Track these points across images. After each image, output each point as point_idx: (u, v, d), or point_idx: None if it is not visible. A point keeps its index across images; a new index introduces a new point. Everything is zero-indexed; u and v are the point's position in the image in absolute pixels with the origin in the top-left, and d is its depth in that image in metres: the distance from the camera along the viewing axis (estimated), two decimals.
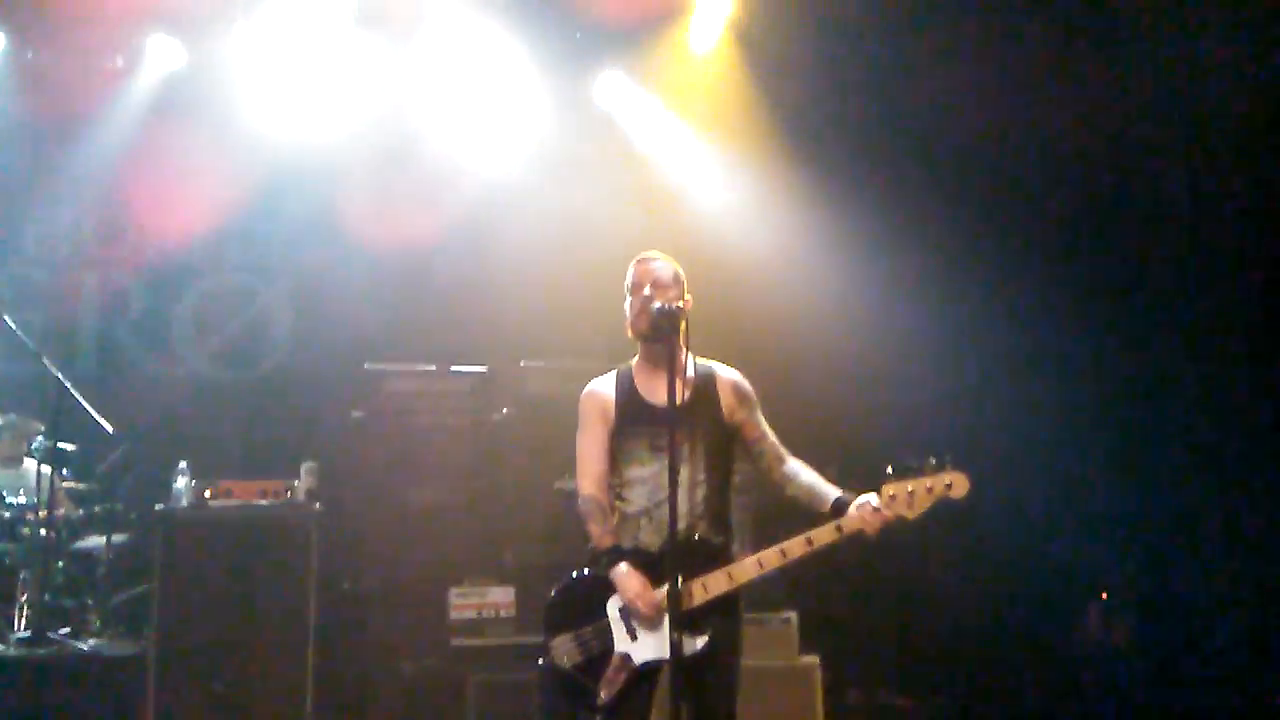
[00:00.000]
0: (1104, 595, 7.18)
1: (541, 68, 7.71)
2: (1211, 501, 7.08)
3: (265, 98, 7.79)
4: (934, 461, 3.71)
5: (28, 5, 7.41)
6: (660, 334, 3.80)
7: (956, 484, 3.69)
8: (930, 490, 3.69)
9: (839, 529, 3.71)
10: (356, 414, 6.73)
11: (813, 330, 7.41)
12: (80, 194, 8.06)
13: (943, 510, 3.78)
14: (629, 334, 3.96)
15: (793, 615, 5.65)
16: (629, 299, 3.94)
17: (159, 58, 7.70)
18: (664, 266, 3.95)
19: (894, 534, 3.80)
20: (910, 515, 3.72)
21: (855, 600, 6.99)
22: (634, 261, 3.99)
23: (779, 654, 5.56)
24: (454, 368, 6.78)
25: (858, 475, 3.89)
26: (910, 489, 3.69)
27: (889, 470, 3.72)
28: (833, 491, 3.81)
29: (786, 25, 7.43)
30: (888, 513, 3.69)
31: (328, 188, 7.96)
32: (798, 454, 4.01)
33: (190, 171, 7.84)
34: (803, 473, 3.93)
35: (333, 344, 7.82)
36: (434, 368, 6.75)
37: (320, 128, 7.85)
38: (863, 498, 3.73)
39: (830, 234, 7.57)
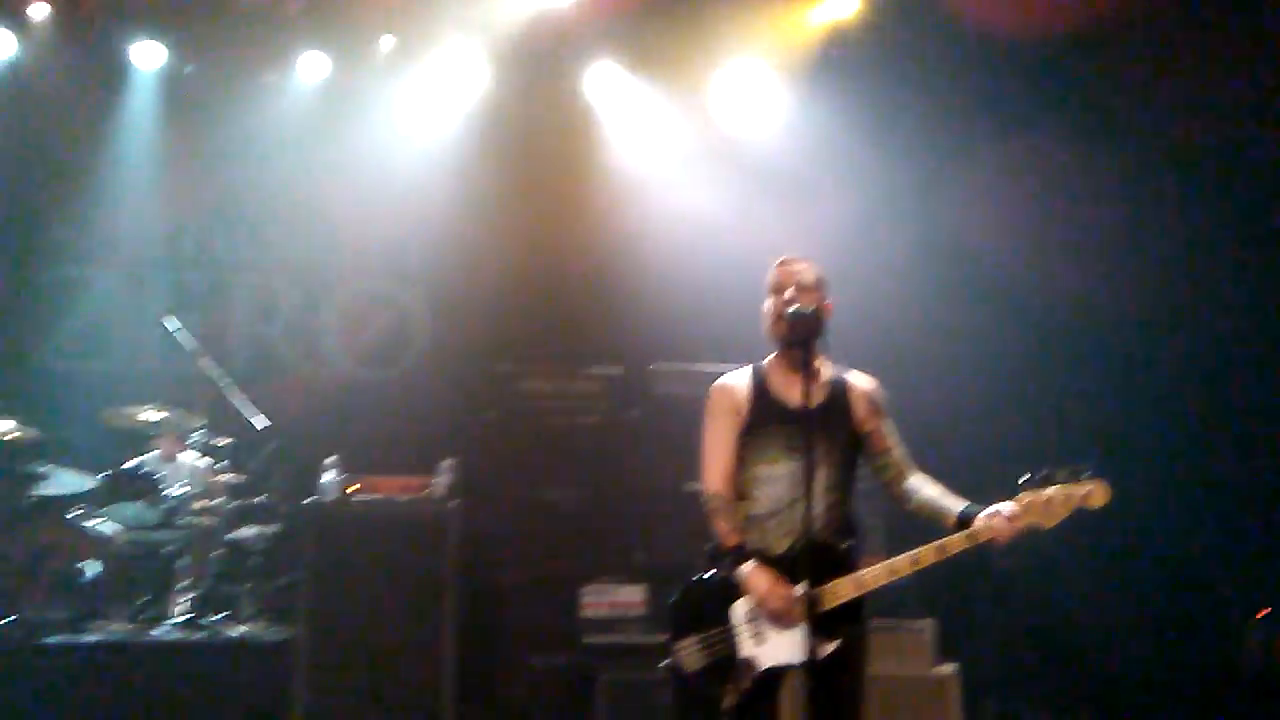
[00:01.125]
0: (1266, 611, 6.79)
1: (676, 71, 7.74)
2: None
3: (403, 108, 8.06)
4: (1073, 470, 3.59)
5: (186, 22, 7.80)
6: (798, 337, 3.75)
7: (1095, 493, 3.56)
8: (1068, 499, 3.56)
9: (971, 537, 3.61)
10: (492, 413, 6.88)
11: (947, 336, 7.25)
12: (234, 202, 8.45)
13: (1089, 517, 3.64)
14: (768, 335, 3.93)
15: (927, 623, 5.53)
16: (769, 300, 3.89)
17: (307, 70, 8.04)
18: (806, 269, 3.90)
19: (1035, 542, 3.68)
20: (1047, 524, 3.60)
21: (995, 609, 6.80)
22: (776, 263, 3.94)
23: (914, 663, 5.46)
24: (587, 369, 6.85)
25: (993, 481, 3.77)
26: (1047, 497, 3.58)
27: (1025, 478, 3.61)
28: (958, 504, 3.73)
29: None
30: (1020, 521, 3.58)
31: (464, 193, 8.17)
32: (931, 458, 3.93)
33: (334, 181, 8.17)
34: (926, 486, 3.86)
35: (470, 346, 8.03)
36: (568, 368, 6.83)
37: (455, 135, 8.09)
38: (993, 506, 3.63)
39: (969, 234, 7.39)
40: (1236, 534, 6.86)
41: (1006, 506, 3.61)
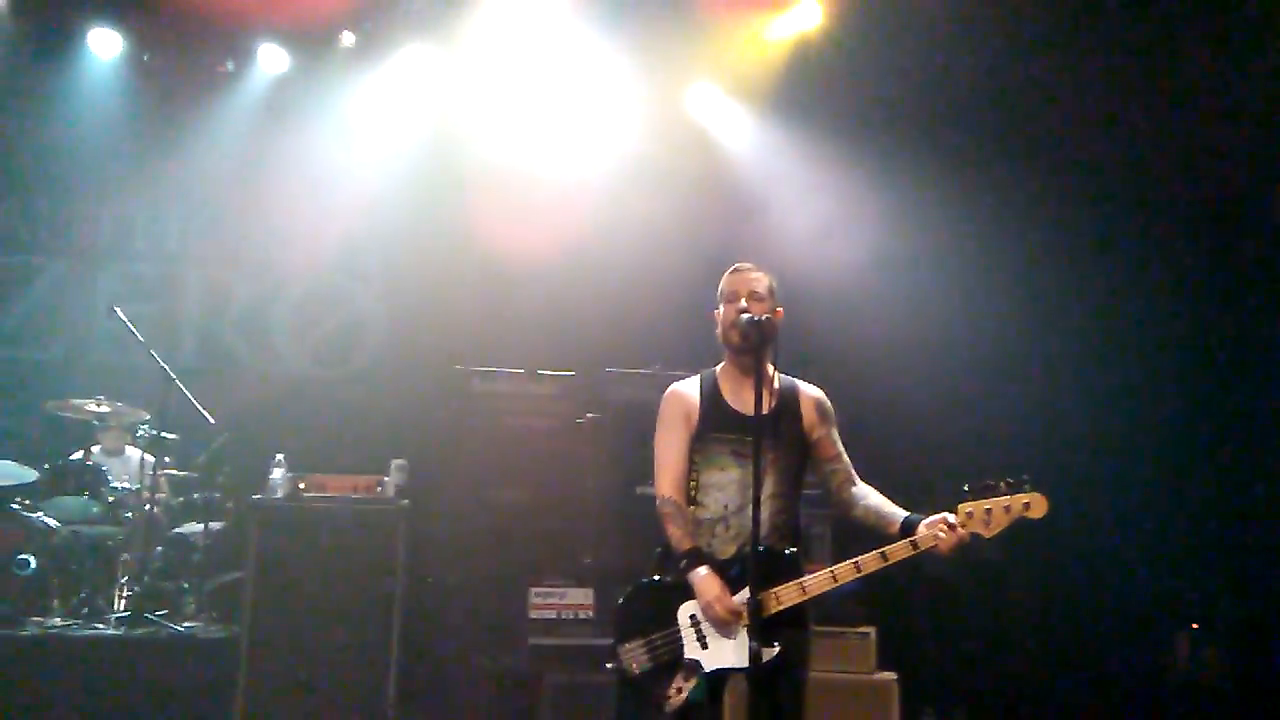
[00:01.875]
0: (1193, 625, 6.97)
1: (633, 77, 7.80)
2: None
3: (363, 105, 8.04)
4: (1012, 481, 3.68)
5: (145, 11, 7.72)
6: (750, 345, 3.82)
7: (1035, 505, 3.65)
8: (1008, 510, 3.66)
9: (914, 545, 3.69)
10: (444, 414, 6.87)
11: (896, 347, 7.37)
12: (187, 194, 8.37)
13: (1027, 533, 3.74)
14: (720, 342, 3.98)
15: (871, 630, 5.61)
16: (721, 308, 3.96)
17: (266, 63, 7.98)
18: (759, 278, 3.97)
19: (977, 555, 3.76)
20: (987, 534, 3.69)
21: (935, 619, 6.91)
22: (729, 271, 4.00)
23: (856, 668, 5.53)
24: (541, 372, 6.86)
25: (937, 494, 3.86)
26: (988, 508, 3.67)
27: (966, 489, 3.70)
28: (901, 512, 3.81)
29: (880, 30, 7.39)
30: (962, 530, 3.66)
31: (422, 194, 8.16)
32: (877, 469, 4.00)
33: (291, 175, 8.12)
34: (871, 495, 3.93)
35: (424, 346, 8.02)
36: (522, 371, 6.85)
37: (414, 136, 8.09)
38: (935, 516, 3.71)
39: (923, 248, 7.52)
40: (1167, 546, 7.02)
41: (949, 516, 3.69)
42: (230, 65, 8.09)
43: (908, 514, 3.79)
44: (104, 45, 7.84)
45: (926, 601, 6.57)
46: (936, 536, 3.66)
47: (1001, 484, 3.68)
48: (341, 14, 7.79)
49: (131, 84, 8.01)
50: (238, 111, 8.11)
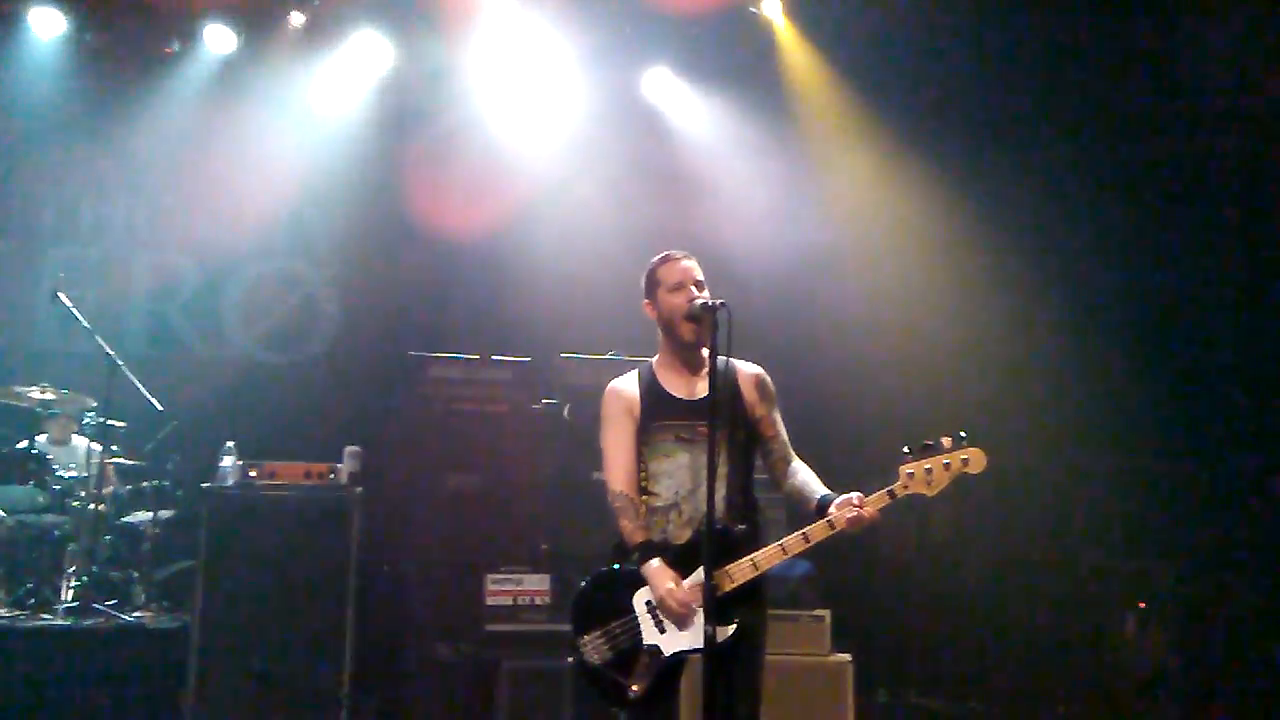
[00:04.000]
0: (1141, 604, 7.10)
1: (587, 61, 7.77)
2: (1257, 509, 6.99)
3: (312, 86, 7.93)
4: (950, 439, 3.72)
5: None
6: (708, 331, 3.79)
7: (973, 460, 3.71)
8: (948, 467, 3.70)
9: (829, 525, 3.71)
10: (398, 400, 6.82)
11: (846, 325, 7.42)
12: (134, 176, 8.21)
13: (978, 514, 3.79)
14: (666, 331, 3.96)
15: (826, 613, 5.66)
16: (667, 297, 3.92)
17: (213, 43, 7.83)
18: (695, 264, 3.98)
19: (928, 536, 3.81)
20: (930, 493, 3.74)
21: (889, 601, 6.99)
22: (663, 260, 3.99)
23: (811, 650, 5.57)
24: (496, 357, 6.83)
25: (882, 464, 3.90)
26: (928, 467, 3.71)
27: (906, 450, 3.74)
28: (820, 491, 3.85)
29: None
30: (868, 510, 3.67)
31: (375, 176, 8.08)
32: (822, 448, 4.02)
33: (240, 157, 7.99)
34: (800, 472, 3.97)
35: (377, 331, 7.95)
36: (477, 356, 6.81)
37: (367, 117, 8.00)
38: (843, 496, 3.75)
39: (877, 228, 7.58)
40: (1116, 526, 7.14)
41: (856, 496, 3.72)
42: (176, 45, 7.91)
43: (825, 493, 3.83)
44: (45, 24, 7.64)
45: (880, 583, 6.62)
46: (843, 516, 3.68)
47: (940, 442, 3.72)
48: None
49: (74, 64, 7.81)
50: (184, 92, 7.94)
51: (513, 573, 6.17)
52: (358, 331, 8.21)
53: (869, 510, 3.71)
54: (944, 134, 7.61)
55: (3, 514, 6.46)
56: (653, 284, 3.99)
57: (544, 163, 7.85)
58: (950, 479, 3.72)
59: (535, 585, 6.12)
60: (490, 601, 6.08)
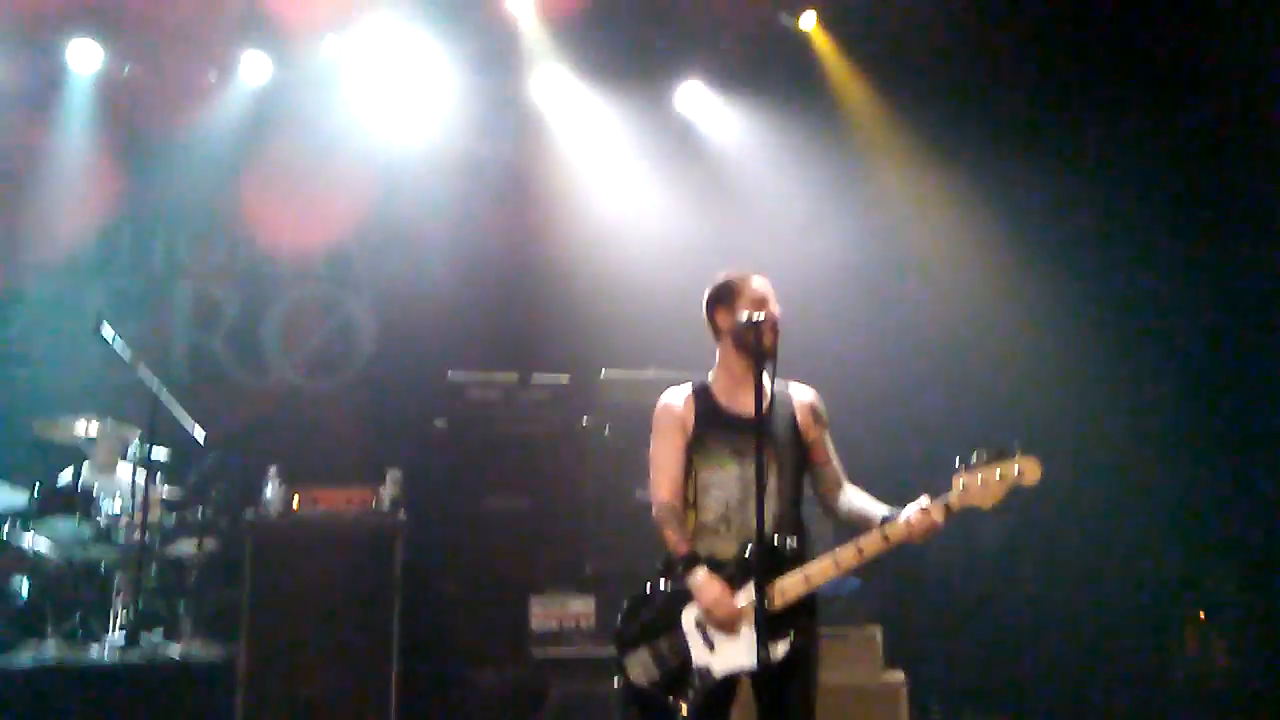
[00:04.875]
0: (1201, 614, 6.92)
1: (621, 77, 7.76)
2: None
3: (349, 113, 7.97)
4: (1002, 450, 3.66)
5: (124, 22, 7.62)
6: (773, 348, 3.79)
7: (1028, 470, 3.65)
8: (1002, 478, 3.65)
9: (884, 538, 3.67)
10: (439, 423, 6.80)
11: (888, 340, 7.34)
12: (173, 206, 8.26)
13: (1031, 524, 3.72)
14: (738, 344, 3.90)
15: (877, 630, 5.55)
16: (747, 313, 3.85)
17: (250, 73, 7.89)
18: (768, 283, 3.98)
19: (979, 548, 3.73)
20: (985, 504, 3.68)
21: (942, 616, 6.86)
22: (737, 277, 3.97)
23: (862, 670, 5.47)
24: (535, 377, 6.79)
25: (931, 477, 3.83)
26: (981, 478, 3.65)
27: (958, 462, 3.69)
28: (880, 510, 3.81)
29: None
30: (933, 517, 3.63)
31: (410, 200, 8.09)
32: (873, 463, 3.97)
33: (277, 185, 8.03)
34: (856, 497, 3.93)
35: (416, 354, 7.94)
36: (516, 377, 6.78)
37: (402, 141, 8.01)
38: (909, 506, 3.71)
39: (916, 243, 7.48)
40: (1174, 535, 6.97)
41: (923, 501, 3.68)
42: (213, 76, 7.97)
43: (887, 511, 3.78)
44: (83, 58, 7.72)
45: (931, 598, 6.50)
46: (909, 524, 3.65)
47: (991, 454, 3.66)
48: (324, 18, 7.68)
49: (113, 96, 7.87)
50: (221, 122, 7.99)
51: (557, 595, 6.13)
52: (396, 355, 8.20)
53: (929, 518, 3.63)
54: (990, 146, 7.50)
55: (50, 547, 6.48)
56: (732, 294, 3.94)
57: (579, 183, 7.81)
58: (1006, 489, 3.65)
59: (581, 608, 6.08)
60: (536, 626, 6.04)
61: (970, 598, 6.89)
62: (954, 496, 3.67)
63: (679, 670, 3.72)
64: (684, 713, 3.69)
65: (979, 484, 3.65)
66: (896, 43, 7.51)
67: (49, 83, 7.79)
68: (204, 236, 8.37)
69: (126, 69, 7.86)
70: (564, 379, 6.88)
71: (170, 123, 7.94)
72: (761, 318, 3.77)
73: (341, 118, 8.00)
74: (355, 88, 7.91)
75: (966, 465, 3.68)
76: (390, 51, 7.70)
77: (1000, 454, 3.65)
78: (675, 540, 3.80)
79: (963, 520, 3.78)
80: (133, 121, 7.95)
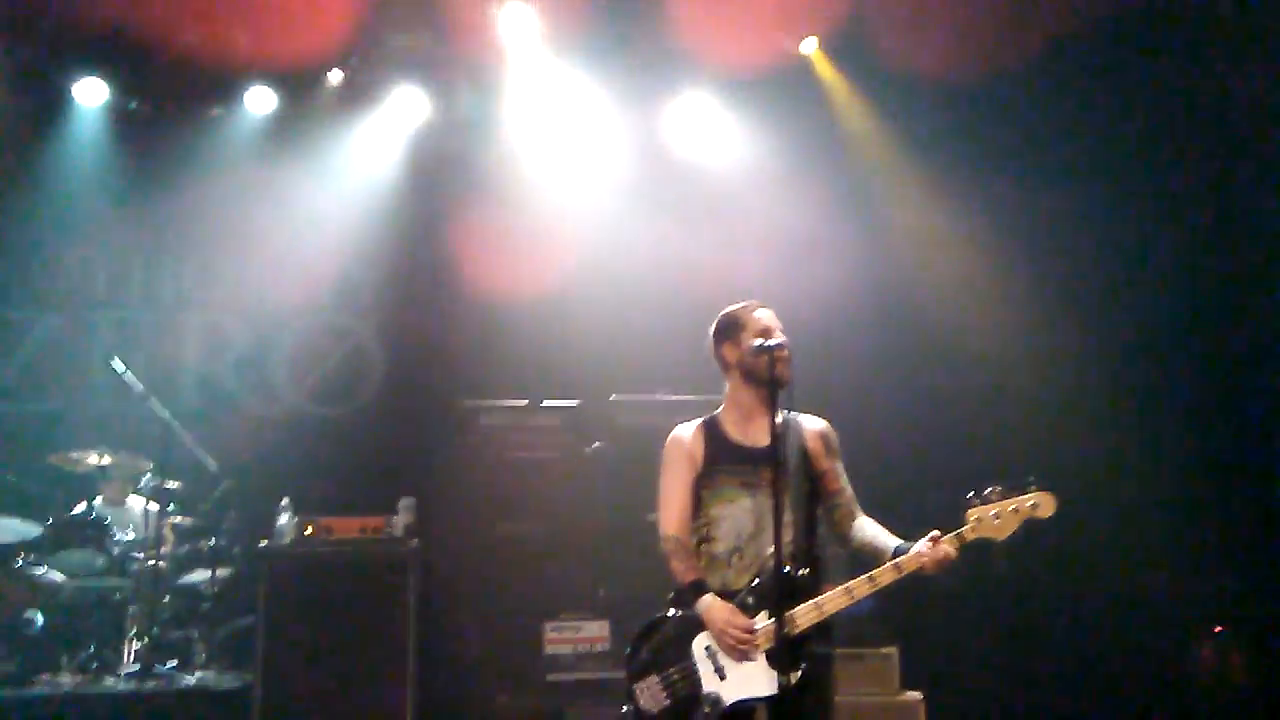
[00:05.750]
0: (1217, 629, 6.89)
1: (620, 102, 7.82)
2: None
3: (353, 142, 8.03)
4: (1016, 484, 3.68)
5: (131, 58, 7.69)
6: (787, 378, 3.82)
7: (1043, 504, 3.67)
8: (1016, 511, 3.66)
9: (897, 568, 3.68)
10: (449, 449, 6.81)
11: (899, 361, 7.34)
12: (181, 239, 8.32)
13: (1042, 539, 3.72)
14: (749, 375, 3.91)
15: (894, 650, 5.54)
16: (755, 342, 3.88)
17: (254, 105, 7.96)
18: (773, 315, 3.99)
19: (987, 568, 3.73)
20: (998, 537, 3.69)
21: (959, 636, 6.82)
22: (746, 308, 4.00)
23: (879, 690, 5.46)
24: (545, 402, 6.81)
25: (945, 508, 3.83)
26: (994, 511, 3.67)
27: (970, 495, 3.70)
28: (893, 543, 3.80)
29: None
30: (945, 548, 3.63)
31: (416, 228, 8.14)
32: (880, 488, 3.97)
33: (283, 215, 8.09)
34: (869, 527, 3.93)
35: (425, 381, 7.96)
36: (526, 402, 6.79)
37: (406, 170, 8.07)
38: (920, 541, 3.71)
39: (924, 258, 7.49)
40: (1189, 548, 6.95)
41: (935, 534, 3.68)
42: (218, 109, 8.04)
43: (899, 543, 3.78)
44: (89, 94, 7.79)
45: (948, 617, 6.47)
46: (919, 555, 3.65)
47: (1005, 488, 3.68)
48: (328, 53, 7.75)
49: (118, 131, 7.95)
50: (227, 154, 8.06)
51: (571, 620, 6.12)
52: (405, 382, 8.22)
53: (942, 550, 3.63)
54: (995, 165, 7.53)
55: (64, 579, 6.50)
56: (736, 327, 3.97)
57: (584, 206, 7.85)
58: (1019, 522, 3.67)
59: (595, 632, 6.08)
60: (550, 650, 6.04)
61: (987, 616, 6.86)
62: (968, 529, 3.68)
63: (689, 699, 3.71)
64: None
65: (992, 516, 3.66)
66: (897, 67, 7.54)
67: (57, 118, 7.85)
68: (212, 268, 8.41)
69: (132, 104, 7.93)
70: (574, 404, 6.89)
71: (177, 155, 8.00)
72: (773, 343, 3.80)
73: (345, 147, 8.06)
74: (357, 118, 7.99)
75: (981, 498, 3.69)
76: (389, 83, 7.78)
77: (1014, 487, 3.67)
78: (681, 570, 3.82)
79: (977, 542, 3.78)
80: (139, 155, 8.00)
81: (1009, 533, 3.66)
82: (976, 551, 3.73)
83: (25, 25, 7.42)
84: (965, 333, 7.46)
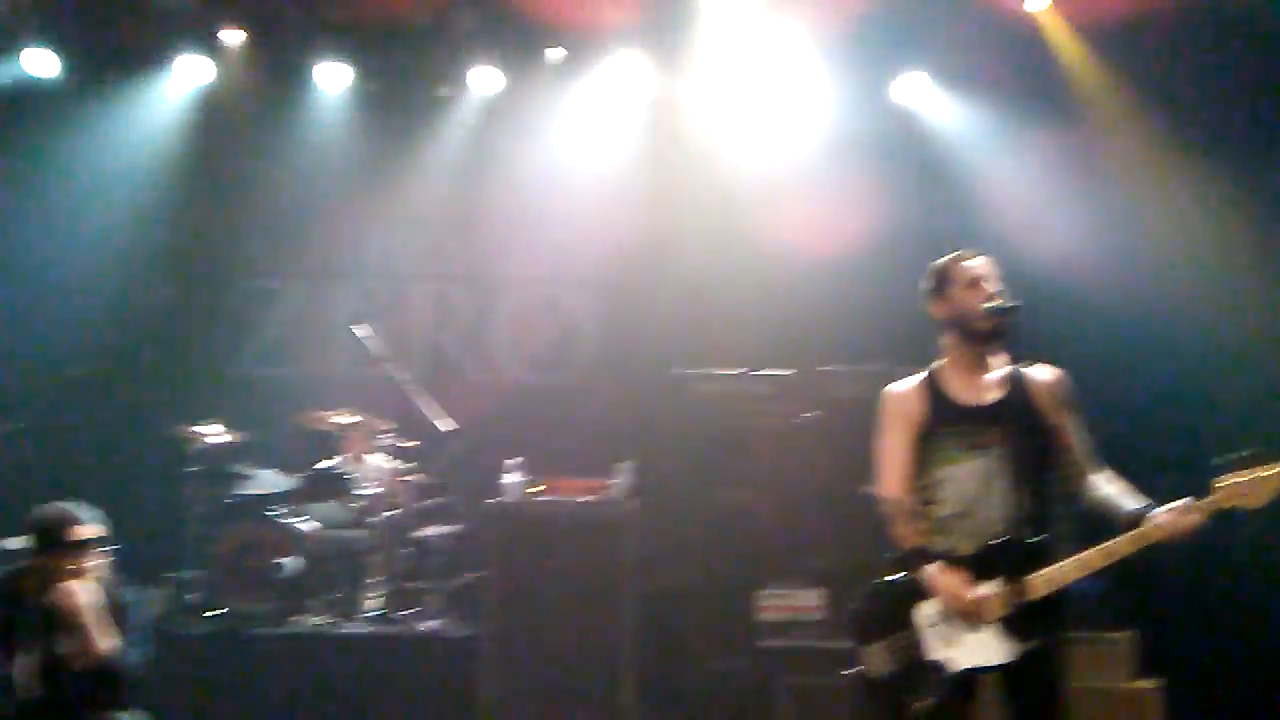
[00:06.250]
0: None
1: (846, 70, 7.70)
2: None
3: (573, 118, 8.24)
4: (1267, 450, 3.47)
5: (370, 43, 8.14)
6: (1001, 332, 3.70)
7: None
8: (1268, 480, 3.43)
9: (1139, 538, 3.47)
10: (664, 418, 6.94)
11: (1141, 329, 6.97)
12: (412, 213, 8.76)
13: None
14: (960, 330, 3.79)
15: (1125, 635, 5.30)
16: (962, 294, 3.77)
17: (479, 84, 8.28)
18: (990, 263, 3.83)
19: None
20: (1253, 504, 3.46)
21: (1198, 620, 6.43)
22: (956, 257, 3.85)
23: (1111, 676, 5.23)
24: (759, 371, 6.83)
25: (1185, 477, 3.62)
26: (1247, 478, 3.45)
27: (1216, 463, 3.48)
28: (1130, 502, 3.59)
29: None
30: (1195, 515, 3.42)
31: (631, 198, 8.27)
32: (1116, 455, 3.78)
33: (504, 191, 8.42)
34: (1104, 485, 3.71)
35: (639, 350, 8.12)
36: (740, 371, 6.84)
37: (622, 141, 8.19)
38: (1167, 506, 3.49)
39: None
40: None
41: (1187, 501, 3.47)
42: (446, 89, 8.41)
43: (1136, 505, 3.56)
44: (332, 78, 8.29)
45: (1187, 601, 6.09)
46: (1171, 521, 3.44)
47: (1259, 454, 3.47)
48: (549, 29, 7.98)
49: (359, 113, 8.42)
50: (455, 131, 8.42)
51: (784, 588, 6.15)
52: (620, 351, 8.42)
53: (1192, 518, 3.45)
54: (1240, 131, 7.03)
55: (313, 528, 7.01)
56: (944, 281, 3.83)
57: (802, 174, 7.79)
58: (1273, 492, 3.44)
59: (808, 600, 6.08)
60: (763, 617, 6.08)
61: (1234, 603, 6.42)
62: (1221, 497, 3.47)
63: (915, 664, 3.67)
64: (920, 707, 3.63)
65: (1245, 484, 3.45)
66: (1133, 25, 7.12)
67: (301, 101, 8.36)
68: (438, 241, 8.83)
69: (370, 86, 8.37)
70: (788, 373, 6.88)
71: (408, 135, 8.42)
72: (991, 305, 3.68)
73: (566, 122, 8.27)
74: (579, 94, 8.17)
75: (1229, 465, 3.48)
76: (610, 54, 7.92)
77: (1260, 455, 3.46)
78: (904, 534, 3.74)
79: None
80: (376, 135, 8.44)
81: (1264, 502, 3.45)
82: (1216, 526, 3.53)
83: (273, 14, 7.98)
84: (1210, 300, 7.00)
